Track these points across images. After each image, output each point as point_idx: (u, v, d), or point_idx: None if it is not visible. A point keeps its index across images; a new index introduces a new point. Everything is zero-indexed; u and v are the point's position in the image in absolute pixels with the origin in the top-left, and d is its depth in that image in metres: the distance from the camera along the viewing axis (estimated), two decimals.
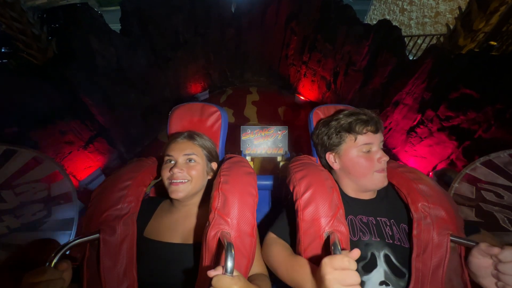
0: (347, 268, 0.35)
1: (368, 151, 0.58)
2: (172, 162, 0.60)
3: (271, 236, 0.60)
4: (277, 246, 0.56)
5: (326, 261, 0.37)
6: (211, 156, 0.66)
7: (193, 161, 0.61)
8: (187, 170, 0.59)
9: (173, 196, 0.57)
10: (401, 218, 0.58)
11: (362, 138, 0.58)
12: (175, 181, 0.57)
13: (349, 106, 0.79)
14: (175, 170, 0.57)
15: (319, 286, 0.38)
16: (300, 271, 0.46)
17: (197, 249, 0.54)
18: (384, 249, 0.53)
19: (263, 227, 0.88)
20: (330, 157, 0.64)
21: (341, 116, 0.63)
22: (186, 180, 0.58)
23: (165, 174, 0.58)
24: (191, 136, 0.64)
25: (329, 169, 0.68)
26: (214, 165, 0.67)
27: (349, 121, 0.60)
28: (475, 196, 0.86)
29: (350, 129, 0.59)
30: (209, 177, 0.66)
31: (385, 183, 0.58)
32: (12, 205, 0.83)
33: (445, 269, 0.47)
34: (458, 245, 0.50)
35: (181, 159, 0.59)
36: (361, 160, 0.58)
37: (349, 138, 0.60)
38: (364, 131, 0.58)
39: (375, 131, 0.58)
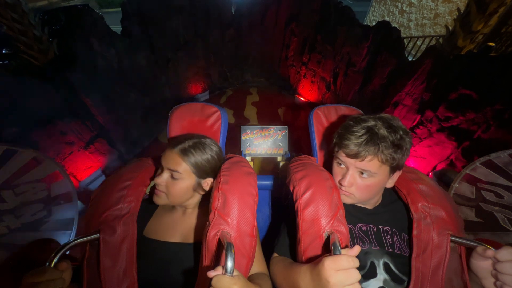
0: (350, 267, 0.35)
1: (340, 166, 0.58)
2: (159, 170, 0.60)
3: (274, 256, 0.60)
4: (279, 262, 0.56)
5: (329, 263, 0.36)
6: (204, 173, 0.60)
7: (175, 178, 0.58)
8: (167, 184, 0.58)
9: (153, 200, 0.58)
10: (403, 228, 0.58)
11: (337, 153, 0.57)
12: (156, 189, 0.58)
13: (349, 106, 0.79)
14: (157, 180, 0.57)
15: (317, 283, 0.38)
16: (295, 274, 0.46)
17: (197, 248, 0.54)
18: (383, 257, 0.53)
19: (263, 227, 0.88)
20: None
21: (348, 124, 0.58)
22: (164, 192, 0.58)
23: (155, 179, 0.59)
24: (184, 150, 0.58)
25: None
26: (209, 181, 0.61)
27: (342, 134, 0.56)
28: (475, 196, 0.86)
29: (336, 143, 0.58)
30: (202, 193, 0.62)
31: (347, 201, 0.58)
32: (12, 205, 0.83)
33: (445, 269, 0.47)
34: (458, 245, 0.50)
35: (166, 171, 0.58)
36: (333, 170, 0.60)
37: (335, 148, 0.59)
38: (340, 150, 0.55)
39: (353, 157, 0.53)
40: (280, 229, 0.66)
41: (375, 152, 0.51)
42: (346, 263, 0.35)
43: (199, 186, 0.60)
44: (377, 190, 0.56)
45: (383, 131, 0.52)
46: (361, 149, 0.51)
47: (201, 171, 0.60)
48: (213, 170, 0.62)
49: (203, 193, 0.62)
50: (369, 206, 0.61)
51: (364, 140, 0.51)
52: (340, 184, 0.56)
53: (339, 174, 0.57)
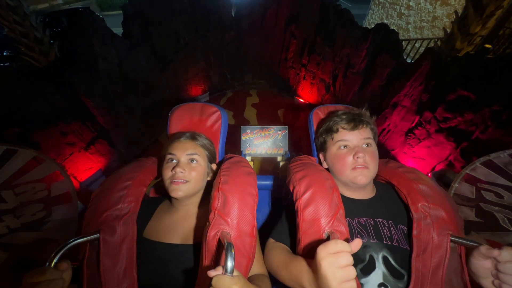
0: (340, 251, 0.36)
1: (346, 148, 0.61)
2: (174, 161, 0.60)
3: (270, 241, 0.61)
4: (276, 250, 0.56)
5: (321, 248, 0.37)
6: (212, 157, 0.67)
7: (195, 161, 0.61)
8: (189, 170, 0.59)
9: (172, 194, 0.57)
10: (400, 219, 0.58)
11: (336, 136, 0.62)
12: (176, 180, 0.57)
13: (349, 106, 0.80)
14: (178, 169, 0.57)
15: (316, 274, 0.38)
16: (297, 265, 0.47)
17: (197, 249, 0.54)
18: (382, 250, 0.53)
19: (263, 227, 0.88)
20: (321, 157, 0.69)
21: (329, 117, 0.68)
22: (186, 181, 0.58)
23: (167, 173, 0.58)
24: (193, 136, 0.65)
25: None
26: (214, 166, 0.68)
27: (330, 121, 0.65)
28: (475, 196, 0.86)
29: (329, 129, 0.64)
30: (209, 178, 0.66)
31: (364, 180, 0.57)
32: (12, 205, 0.82)
33: (445, 269, 0.47)
34: (458, 245, 0.50)
35: (184, 159, 0.59)
36: (338, 157, 0.61)
37: (329, 137, 0.64)
38: (339, 128, 0.62)
39: (351, 128, 0.60)
40: (279, 217, 0.66)
41: (366, 123, 0.61)
42: (335, 246, 0.37)
43: (211, 170, 0.66)
44: (377, 161, 0.61)
45: (358, 111, 0.65)
46: (356, 118, 0.61)
47: (210, 154, 0.66)
48: (213, 156, 0.68)
49: (209, 179, 0.66)
50: (365, 196, 0.62)
51: (353, 114, 0.62)
52: (357, 158, 0.57)
53: (347, 155, 0.59)
